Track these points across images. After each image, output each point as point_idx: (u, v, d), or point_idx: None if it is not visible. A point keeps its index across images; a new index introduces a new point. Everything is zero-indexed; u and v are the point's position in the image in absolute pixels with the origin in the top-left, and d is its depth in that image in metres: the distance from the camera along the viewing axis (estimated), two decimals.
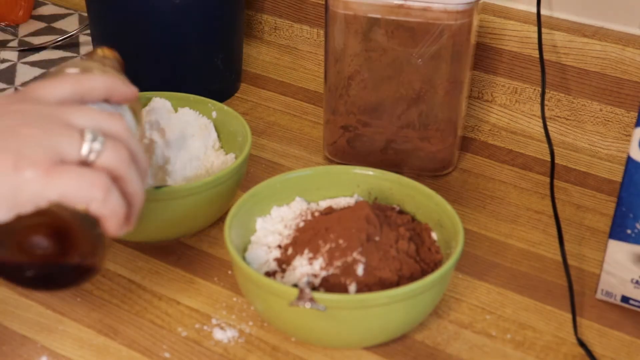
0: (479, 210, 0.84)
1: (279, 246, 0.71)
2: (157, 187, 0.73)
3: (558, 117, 0.94)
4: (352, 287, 0.65)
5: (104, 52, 0.75)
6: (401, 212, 0.74)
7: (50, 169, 0.54)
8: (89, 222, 0.57)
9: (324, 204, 0.76)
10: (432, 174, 0.88)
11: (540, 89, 0.92)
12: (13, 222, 0.55)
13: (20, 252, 0.58)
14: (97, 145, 0.56)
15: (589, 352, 0.68)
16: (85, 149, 0.56)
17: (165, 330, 0.70)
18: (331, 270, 0.66)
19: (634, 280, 0.70)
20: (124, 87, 0.65)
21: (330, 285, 0.66)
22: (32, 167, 0.54)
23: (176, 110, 0.84)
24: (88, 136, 0.56)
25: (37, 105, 0.58)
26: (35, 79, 1.03)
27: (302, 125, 0.97)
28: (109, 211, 0.56)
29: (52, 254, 0.58)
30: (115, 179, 0.57)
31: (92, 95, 0.62)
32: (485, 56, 0.95)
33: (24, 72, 1.05)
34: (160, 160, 0.78)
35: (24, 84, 1.02)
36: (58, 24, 1.18)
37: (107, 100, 0.64)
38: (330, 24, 0.84)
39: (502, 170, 0.90)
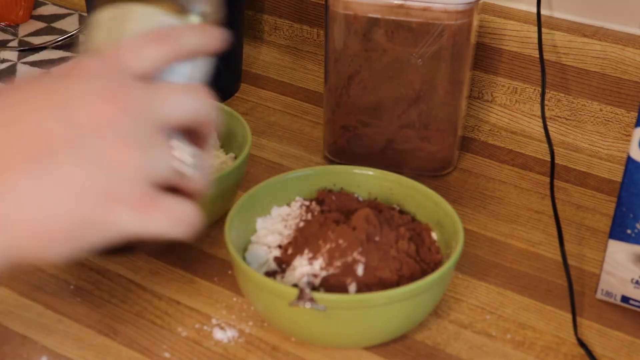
0: (479, 210, 0.84)
1: (279, 246, 0.71)
2: None
3: (558, 117, 0.94)
4: (352, 287, 0.65)
5: None
6: (401, 212, 0.74)
7: (140, 206, 0.50)
8: None
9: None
10: (432, 174, 0.88)
11: (540, 89, 0.92)
12: None
13: None
14: (189, 170, 0.53)
15: (589, 352, 0.68)
16: (176, 169, 0.52)
17: (165, 330, 0.70)
18: (331, 270, 0.66)
19: (634, 280, 0.70)
20: (214, 39, 0.57)
21: (330, 285, 0.66)
22: (123, 204, 0.49)
23: None
24: (181, 156, 0.52)
25: (128, 103, 0.50)
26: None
27: (302, 125, 0.97)
28: (183, 229, 0.53)
29: None
30: (192, 195, 0.54)
31: (188, 56, 0.56)
32: (485, 56, 0.95)
33: (24, 72, 1.05)
34: None
35: None
36: (58, 24, 1.18)
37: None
38: (330, 24, 0.84)
39: (502, 170, 0.90)
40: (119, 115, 0.49)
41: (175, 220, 0.52)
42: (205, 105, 0.54)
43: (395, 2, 0.80)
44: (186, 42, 0.55)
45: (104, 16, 0.59)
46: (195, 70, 0.58)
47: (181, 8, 0.58)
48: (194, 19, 0.59)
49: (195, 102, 0.53)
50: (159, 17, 0.57)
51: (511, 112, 0.96)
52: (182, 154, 0.52)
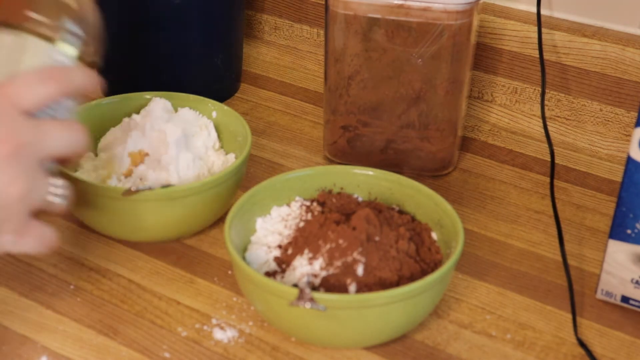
0: (479, 210, 0.84)
1: (279, 246, 0.71)
2: (162, 187, 0.73)
3: (558, 117, 0.94)
4: (352, 287, 0.65)
5: None
6: (401, 212, 0.74)
7: (19, 231, 0.60)
8: None
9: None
10: (432, 174, 0.89)
11: (540, 89, 0.92)
12: None
13: None
14: (58, 200, 0.62)
15: (589, 352, 0.68)
16: (50, 201, 0.62)
17: (165, 330, 0.70)
18: (331, 270, 0.66)
19: (634, 280, 0.70)
20: (95, 82, 0.66)
21: (330, 285, 0.66)
22: (6, 229, 0.59)
23: (176, 110, 0.84)
24: (55, 191, 0.62)
25: (13, 132, 0.59)
26: None
27: (302, 125, 0.97)
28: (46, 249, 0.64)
29: None
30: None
31: (70, 94, 0.64)
32: (485, 56, 0.95)
33: None
34: (162, 161, 0.78)
35: None
36: None
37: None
38: (330, 24, 0.84)
39: (502, 170, 0.90)
40: (9, 154, 0.58)
41: (41, 242, 0.62)
42: (80, 139, 0.63)
43: (395, 2, 0.80)
44: (73, 82, 0.63)
45: (1, 40, 0.64)
46: (74, 106, 0.66)
47: (63, 35, 0.65)
48: (72, 44, 0.65)
49: (72, 138, 0.62)
50: (53, 55, 0.64)
51: (511, 112, 0.96)
52: (56, 188, 0.62)
